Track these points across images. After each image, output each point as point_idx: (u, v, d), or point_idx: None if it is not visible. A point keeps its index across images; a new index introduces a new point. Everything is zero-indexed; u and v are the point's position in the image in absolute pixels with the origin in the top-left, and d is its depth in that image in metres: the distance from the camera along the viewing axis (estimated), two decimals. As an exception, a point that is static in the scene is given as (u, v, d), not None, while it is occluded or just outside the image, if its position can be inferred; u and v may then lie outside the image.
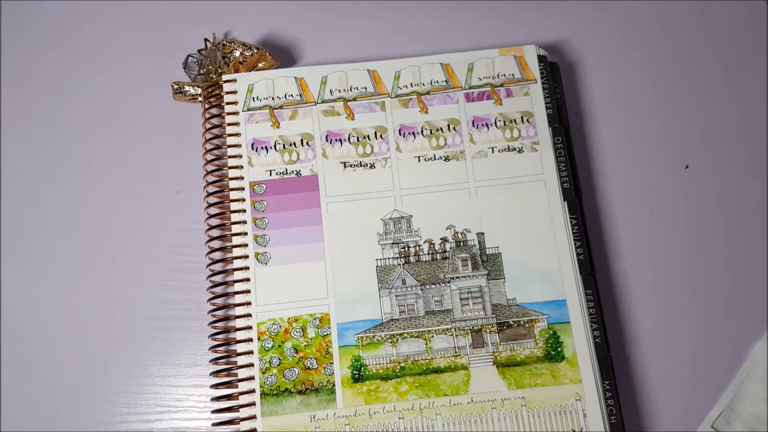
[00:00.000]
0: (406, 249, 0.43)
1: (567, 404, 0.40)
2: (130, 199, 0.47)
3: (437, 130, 0.46)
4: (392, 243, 0.43)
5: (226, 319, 0.42)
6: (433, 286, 0.42)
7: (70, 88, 0.50)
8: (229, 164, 0.45)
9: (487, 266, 0.42)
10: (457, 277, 0.42)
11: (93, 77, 0.50)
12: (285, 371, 0.41)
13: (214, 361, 0.42)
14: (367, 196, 0.44)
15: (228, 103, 0.46)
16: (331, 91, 0.46)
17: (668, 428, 0.42)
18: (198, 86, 0.47)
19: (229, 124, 0.46)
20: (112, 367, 0.44)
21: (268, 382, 0.40)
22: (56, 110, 0.49)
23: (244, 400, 0.40)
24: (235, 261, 0.43)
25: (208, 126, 0.46)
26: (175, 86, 0.48)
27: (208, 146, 0.46)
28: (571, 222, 0.43)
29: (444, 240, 0.43)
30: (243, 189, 0.44)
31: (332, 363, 0.41)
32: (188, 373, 0.44)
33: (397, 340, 0.41)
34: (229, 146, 0.45)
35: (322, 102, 0.46)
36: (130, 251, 0.46)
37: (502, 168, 0.45)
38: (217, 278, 0.43)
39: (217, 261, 0.43)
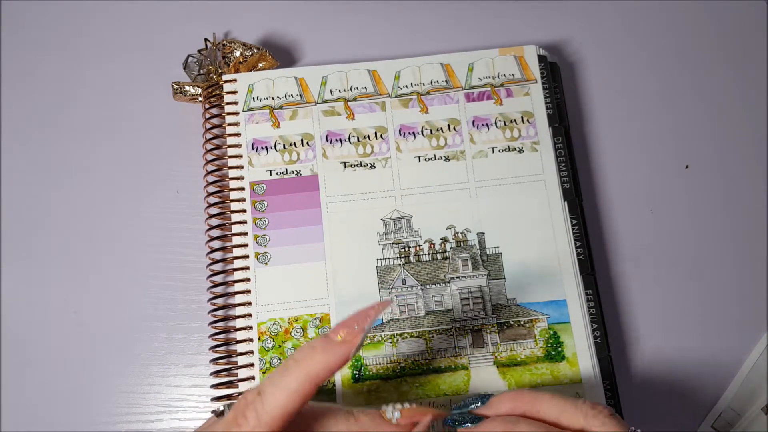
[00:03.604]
0: (407, 249, 0.43)
1: (567, 404, 0.40)
2: (131, 199, 0.47)
3: (437, 130, 0.46)
4: (392, 243, 0.43)
5: (227, 319, 0.42)
6: (434, 286, 0.42)
7: (70, 88, 0.50)
8: (229, 164, 0.45)
9: (487, 266, 0.42)
10: (458, 277, 0.42)
11: (93, 77, 0.50)
12: (285, 371, 0.41)
13: (215, 361, 0.42)
14: (367, 196, 0.44)
15: (228, 103, 0.46)
16: (331, 91, 0.46)
17: (668, 428, 0.42)
18: (198, 86, 0.47)
19: (229, 124, 0.46)
20: (112, 367, 0.44)
21: (268, 382, 0.40)
22: (56, 110, 0.49)
23: (244, 400, 0.40)
24: (235, 261, 0.43)
25: (208, 126, 0.46)
26: (175, 86, 0.48)
27: (208, 146, 0.46)
28: (571, 222, 0.43)
29: (444, 240, 0.43)
30: (243, 189, 0.44)
31: (332, 363, 0.41)
32: (188, 373, 0.44)
33: (398, 340, 0.41)
34: (229, 146, 0.45)
35: (323, 102, 0.46)
36: (130, 251, 0.46)
37: (502, 168, 0.45)
38: (217, 278, 0.43)
39: (217, 261, 0.43)
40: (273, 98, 0.46)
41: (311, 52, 0.51)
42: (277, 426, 0.28)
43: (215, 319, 0.42)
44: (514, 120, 0.46)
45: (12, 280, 0.46)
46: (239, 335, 0.41)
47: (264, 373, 0.41)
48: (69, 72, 0.50)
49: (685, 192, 0.47)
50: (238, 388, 0.40)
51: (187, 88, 0.48)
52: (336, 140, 0.45)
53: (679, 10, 0.52)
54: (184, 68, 0.48)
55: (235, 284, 0.42)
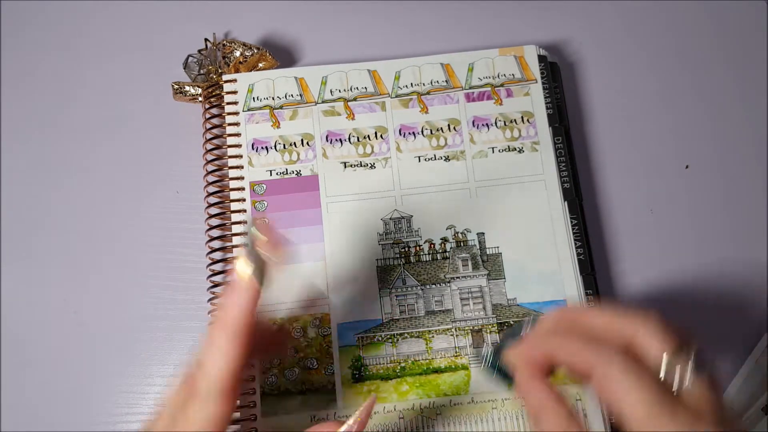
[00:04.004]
0: (407, 249, 0.43)
1: (567, 404, 0.40)
2: (131, 199, 0.47)
3: (437, 130, 0.46)
4: (392, 243, 0.43)
5: (227, 319, 0.42)
6: (434, 286, 0.42)
7: (71, 87, 0.50)
8: (230, 164, 0.45)
9: (488, 266, 0.42)
10: (458, 277, 0.42)
11: (93, 77, 0.50)
12: (285, 371, 0.41)
13: (215, 361, 0.41)
14: (367, 196, 0.44)
15: (228, 103, 0.46)
16: (331, 91, 0.46)
17: (668, 428, 0.42)
18: (198, 86, 0.47)
19: (230, 124, 0.46)
20: (112, 367, 0.44)
21: (268, 382, 0.40)
22: (56, 110, 0.49)
23: (244, 400, 0.40)
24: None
25: (208, 126, 0.46)
26: (176, 86, 0.48)
27: (208, 146, 0.46)
28: (571, 222, 0.43)
29: (444, 240, 0.43)
30: (243, 189, 0.44)
31: (333, 363, 0.41)
32: (188, 373, 0.44)
33: (398, 340, 0.41)
34: (230, 146, 0.45)
35: (323, 102, 0.46)
36: (130, 251, 0.46)
37: (502, 168, 0.45)
38: (217, 278, 0.43)
39: (217, 261, 0.43)
40: (273, 98, 0.46)
41: (311, 52, 0.51)
42: (229, 386, 0.29)
43: (215, 319, 0.42)
44: (514, 120, 0.46)
45: (12, 280, 0.46)
46: (239, 335, 0.41)
47: (264, 373, 0.41)
48: (69, 72, 0.50)
49: (685, 192, 0.47)
50: (238, 388, 0.40)
51: (187, 88, 0.48)
52: (336, 140, 0.45)
53: (679, 10, 0.52)
54: (184, 68, 0.48)
55: (235, 284, 0.42)
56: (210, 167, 0.45)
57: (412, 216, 0.44)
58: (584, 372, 0.29)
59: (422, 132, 0.46)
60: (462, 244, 0.43)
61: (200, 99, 0.48)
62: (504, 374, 0.33)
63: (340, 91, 0.46)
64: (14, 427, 0.43)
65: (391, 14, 0.52)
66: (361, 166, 0.45)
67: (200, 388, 0.29)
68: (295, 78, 0.47)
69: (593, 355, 0.29)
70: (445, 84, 0.47)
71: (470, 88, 0.47)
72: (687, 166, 0.48)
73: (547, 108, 0.46)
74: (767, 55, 0.50)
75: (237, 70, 0.48)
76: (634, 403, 0.27)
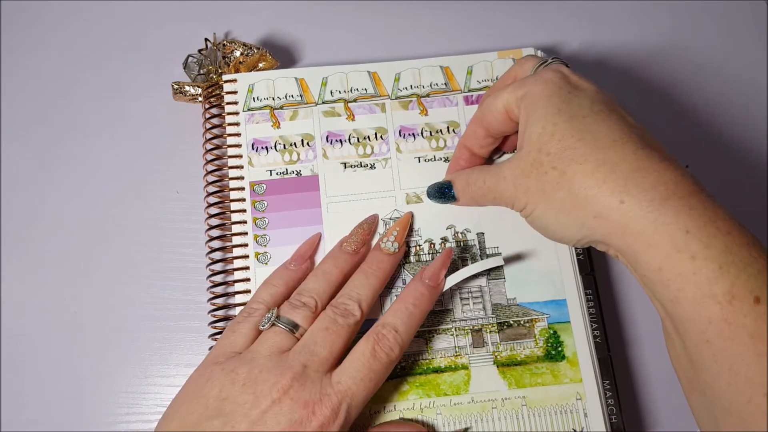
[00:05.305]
0: (407, 249, 0.43)
1: (568, 404, 0.40)
2: (130, 199, 0.47)
3: (437, 132, 0.46)
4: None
5: (227, 318, 0.42)
6: (434, 286, 0.42)
7: (70, 87, 0.50)
8: (229, 164, 0.45)
9: (487, 266, 0.42)
10: (458, 277, 0.42)
11: (93, 77, 0.50)
12: (285, 371, 0.40)
13: (214, 361, 0.41)
14: (367, 197, 0.44)
15: (228, 103, 0.46)
16: (331, 92, 0.46)
17: (668, 428, 0.43)
18: (198, 86, 0.47)
19: (230, 124, 0.46)
20: (112, 367, 0.44)
21: (268, 382, 0.40)
22: (56, 110, 0.49)
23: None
24: (235, 261, 0.43)
25: (208, 126, 0.46)
26: (175, 86, 0.48)
27: (208, 146, 0.46)
28: (570, 222, 0.43)
29: (444, 240, 0.43)
30: (243, 189, 0.44)
31: (332, 363, 0.41)
32: (188, 373, 0.43)
33: (398, 340, 0.41)
34: (230, 146, 0.45)
35: (323, 103, 0.46)
36: (130, 251, 0.46)
37: (502, 168, 0.45)
38: (217, 278, 0.43)
39: (217, 261, 0.43)
40: (273, 98, 0.46)
41: (311, 53, 0.51)
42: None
43: (215, 319, 0.42)
44: (514, 120, 0.46)
45: (11, 279, 0.46)
46: (239, 335, 0.41)
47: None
48: (69, 72, 0.50)
49: (684, 192, 0.47)
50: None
51: (187, 88, 0.48)
52: (336, 141, 0.45)
53: (679, 10, 0.52)
54: (184, 68, 0.48)
55: (235, 284, 0.42)
56: (210, 167, 0.45)
57: (412, 216, 0.44)
58: (505, 123, 0.39)
59: (422, 134, 0.46)
60: (462, 244, 0.43)
61: (200, 99, 0.48)
62: (442, 192, 0.42)
63: (340, 92, 0.46)
64: (14, 427, 0.43)
65: (391, 16, 0.52)
66: (361, 166, 0.45)
67: (395, 350, 0.36)
68: (296, 78, 0.47)
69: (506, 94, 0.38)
70: (444, 87, 0.47)
71: (469, 91, 0.47)
72: (687, 166, 0.48)
73: (547, 108, 0.46)
74: (767, 55, 0.50)
75: (237, 70, 0.48)
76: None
